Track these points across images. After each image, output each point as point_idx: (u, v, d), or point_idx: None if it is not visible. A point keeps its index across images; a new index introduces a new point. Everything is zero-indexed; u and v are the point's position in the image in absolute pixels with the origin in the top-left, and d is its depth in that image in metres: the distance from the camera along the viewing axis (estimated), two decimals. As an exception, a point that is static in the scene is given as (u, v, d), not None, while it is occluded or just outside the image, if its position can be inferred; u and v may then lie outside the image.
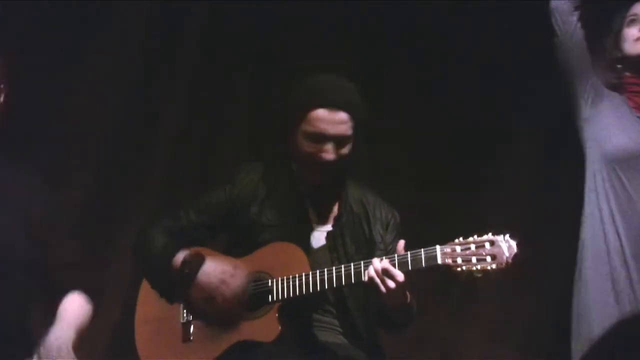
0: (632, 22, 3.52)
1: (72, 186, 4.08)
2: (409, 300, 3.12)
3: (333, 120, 3.12)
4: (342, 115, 3.12)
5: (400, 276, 2.99)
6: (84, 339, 3.04)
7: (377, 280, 3.02)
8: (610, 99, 3.51)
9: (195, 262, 3.21)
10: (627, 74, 3.53)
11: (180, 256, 3.20)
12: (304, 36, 4.41)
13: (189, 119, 4.46)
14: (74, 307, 3.08)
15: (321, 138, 3.13)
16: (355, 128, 3.15)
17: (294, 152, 3.22)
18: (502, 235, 3.04)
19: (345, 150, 3.15)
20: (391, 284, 3.00)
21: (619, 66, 3.52)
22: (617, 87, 3.54)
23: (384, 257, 3.08)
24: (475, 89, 4.44)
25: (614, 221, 3.45)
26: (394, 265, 3.02)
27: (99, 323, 3.93)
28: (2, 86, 3.11)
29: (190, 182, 4.32)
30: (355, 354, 3.21)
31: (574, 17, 3.49)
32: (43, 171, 3.31)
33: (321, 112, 3.12)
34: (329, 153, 3.13)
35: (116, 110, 4.33)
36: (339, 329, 3.25)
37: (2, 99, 3.11)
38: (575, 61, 3.50)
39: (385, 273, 3.01)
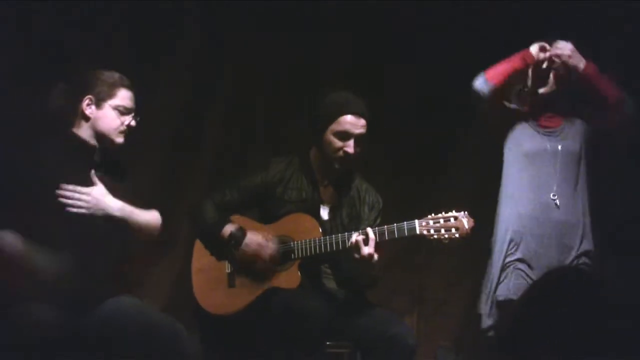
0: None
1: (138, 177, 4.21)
2: (375, 269, 3.59)
3: (357, 124, 3.67)
4: (363, 121, 3.69)
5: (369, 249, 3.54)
6: None
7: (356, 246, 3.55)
8: (520, 119, 4.00)
9: (239, 236, 3.69)
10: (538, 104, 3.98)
11: (228, 229, 3.70)
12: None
13: (229, 122, 4.88)
14: None
15: (347, 136, 3.67)
16: (367, 132, 3.71)
17: (322, 147, 3.72)
18: (462, 212, 3.59)
19: (359, 147, 3.69)
20: (365, 251, 3.53)
21: (528, 98, 3.97)
22: (525, 114, 3.99)
23: (369, 229, 3.56)
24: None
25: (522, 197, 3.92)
26: (384, 235, 3.55)
27: (164, 274, 4.58)
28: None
29: (230, 169, 4.72)
30: (345, 297, 3.76)
31: None
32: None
33: (349, 117, 3.68)
34: (351, 147, 3.67)
35: (172, 118, 4.78)
36: (332, 277, 3.79)
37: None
38: None
39: (359, 243, 3.55)
